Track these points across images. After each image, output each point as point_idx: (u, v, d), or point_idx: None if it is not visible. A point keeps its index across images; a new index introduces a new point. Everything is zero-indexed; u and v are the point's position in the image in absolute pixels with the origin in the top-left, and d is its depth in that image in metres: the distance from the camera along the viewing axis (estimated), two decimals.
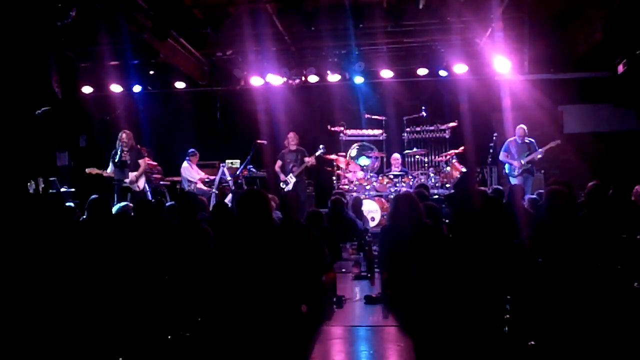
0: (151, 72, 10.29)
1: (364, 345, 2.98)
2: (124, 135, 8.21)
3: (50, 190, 7.28)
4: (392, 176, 9.42)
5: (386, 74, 10.22)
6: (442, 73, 9.90)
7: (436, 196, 8.67)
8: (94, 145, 11.06)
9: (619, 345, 2.97)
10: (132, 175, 8.16)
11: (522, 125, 8.87)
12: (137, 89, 10.58)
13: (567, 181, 5.97)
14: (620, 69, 8.79)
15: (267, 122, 10.94)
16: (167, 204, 6.59)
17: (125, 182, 8.12)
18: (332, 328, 3.13)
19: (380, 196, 9.26)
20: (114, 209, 5.78)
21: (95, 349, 3.13)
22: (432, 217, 4.41)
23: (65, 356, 3.06)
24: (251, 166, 9.53)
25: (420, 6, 8.03)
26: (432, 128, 10.18)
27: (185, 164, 9.68)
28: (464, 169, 9.35)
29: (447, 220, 4.88)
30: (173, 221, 5.56)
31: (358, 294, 3.80)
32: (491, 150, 9.39)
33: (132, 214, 5.54)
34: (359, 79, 10.04)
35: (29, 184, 5.89)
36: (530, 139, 8.84)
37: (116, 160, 8.09)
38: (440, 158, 9.79)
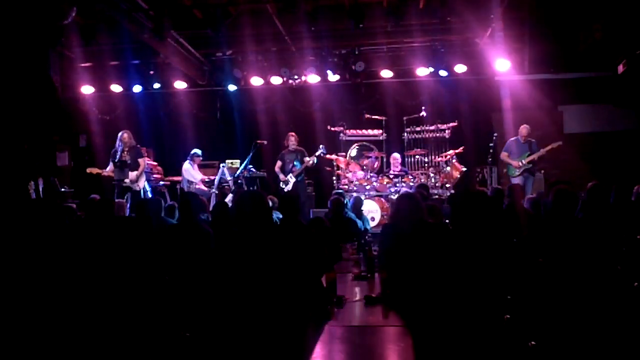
0: (151, 72, 10.29)
1: (364, 345, 2.98)
2: (125, 135, 8.24)
3: (50, 191, 7.30)
4: (392, 176, 9.42)
5: (386, 74, 10.22)
6: (442, 73, 9.89)
7: (436, 196, 8.68)
8: (94, 145, 11.07)
9: (619, 345, 2.97)
10: (132, 174, 8.18)
11: (526, 125, 8.87)
12: (137, 89, 10.58)
13: (568, 181, 5.97)
14: (620, 69, 8.80)
15: (267, 122, 10.95)
16: (167, 204, 6.59)
17: (126, 182, 8.15)
18: (332, 328, 3.13)
19: (380, 196, 9.26)
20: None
21: (95, 350, 3.13)
22: (433, 217, 4.42)
23: (64, 357, 3.06)
24: (251, 166, 9.53)
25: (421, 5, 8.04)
26: (432, 128, 10.16)
27: (187, 164, 9.68)
28: (464, 169, 9.35)
29: (447, 220, 4.88)
30: (171, 221, 5.57)
31: (358, 294, 3.80)
32: (491, 150, 9.40)
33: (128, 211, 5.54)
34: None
35: (29, 184, 5.90)
36: (531, 139, 8.84)
37: (116, 160, 8.11)
38: (440, 158, 9.79)
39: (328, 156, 9.61)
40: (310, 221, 5.40)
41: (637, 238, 4.33)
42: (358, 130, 10.35)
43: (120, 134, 8.31)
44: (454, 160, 9.41)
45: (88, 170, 8.40)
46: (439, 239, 3.71)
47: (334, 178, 9.96)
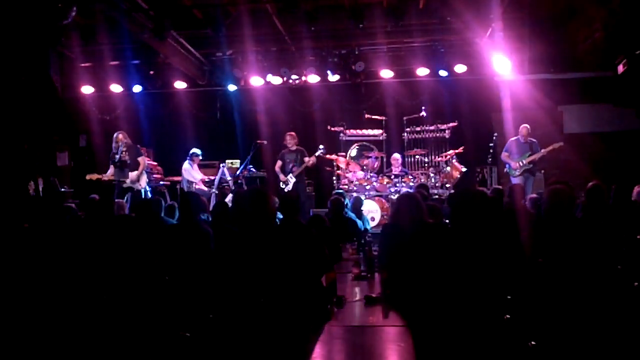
0: (151, 72, 10.29)
1: (364, 345, 2.98)
2: (120, 136, 8.23)
3: (50, 191, 7.30)
4: (392, 176, 9.43)
5: (386, 74, 10.22)
6: (442, 73, 9.89)
7: (436, 196, 8.68)
8: (94, 145, 11.07)
9: (619, 345, 2.97)
10: (132, 174, 8.17)
11: (526, 125, 8.88)
12: (137, 89, 10.58)
13: (567, 181, 5.97)
14: (620, 69, 8.80)
15: (267, 122, 10.95)
16: (166, 204, 6.59)
17: (126, 182, 8.13)
18: (332, 328, 3.13)
19: (380, 196, 9.26)
20: None
21: (95, 349, 3.13)
22: (432, 217, 4.42)
23: (64, 356, 3.06)
24: (251, 166, 9.53)
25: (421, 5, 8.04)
26: (432, 128, 10.17)
27: (186, 164, 9.68)
28: (464, 169, 9.35)
29: (447, 220, 4.88)
30: (171, 221, 5.57)
31: (358, 294, 3.80)
32: (491, 150, 9.40)
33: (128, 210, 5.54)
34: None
35: (29, 184, 5.90)
36: (532, 139, 8.85)
37: (116, 161, 8.10)
38: (440, 158, 9.79)
39: (328, 156, 9.61)
40: (310, 219, 5.40)
41: (637, 238, 4.33)
42: (358, 130, 10.35)
43: (115, 135, 8.28)
44: (454, 160, 9.41)
45: (87, 177, 8.38)
46: (439, 239, 3.71)
47: (334, 178, 9.96)
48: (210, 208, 6.22)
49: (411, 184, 9.18)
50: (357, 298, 3.71)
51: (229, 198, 8.86)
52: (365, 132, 10.33)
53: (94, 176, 8.31)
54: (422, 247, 3.64)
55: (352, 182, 9.51)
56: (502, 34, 8.63)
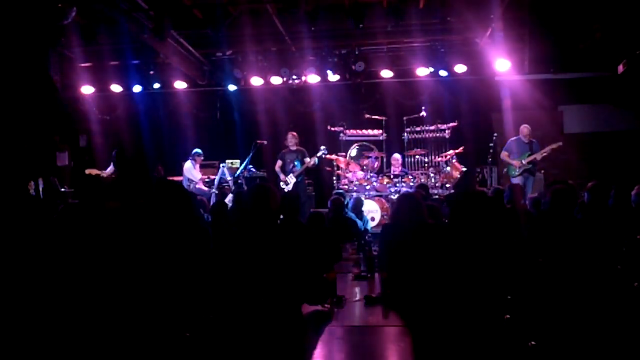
0: (151, 72, 10.29)
1: (364, 345, 2.98)
2: None
3: (50, 191, 7.30)
4: (392, 176, 9.42)
5: (386, 74, 10.22)
6: (442, 73, 9.89)
7: (436, 196, 8.68)
8: (94, 145, 11.06)
9: (619, 345, 2.97)
10: None
11: (527, 125, 8.89)
12: (137, 89, 10.58)
13: (566, 180, 5.97)
14: (620, 69, 8.80)
15: (267, 122, 10.95)
16: None
17: None
18: (332, 328, 3.13)
19: (380, 196, 9.26)
20: None
21: (95, 349, 3.13)
22: (432, 217, 4.42)
23: (64, 356, 3.06)
24: (251, 166, 9.53)
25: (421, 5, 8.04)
26: (432, 128, 10.17)
27: (188, 164, 9.68)
28: (464, 169, 9.34)
29: (446, 220, 4.89)
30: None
31: (358, 294, 3.81)
32: (491, 150, 9.39)
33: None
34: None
35: (29, 184, 5.90)
36: (533, 139, 8.85)
37: None
38: (440, 158, 9.79)
39: (328, 156, 9.62)
40: (309, 216, 5.40)
41: (637, 238, 4.33)
42: (358, 130, 10.35)
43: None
44: (454, 160, 9.40)
45: (87, 171, 8.41)
46: (439, 239, 3.71)
47: (334, 178, 9.96)
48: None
49: (411, 184, 9.18)
50: (357, 298, 3.72)
51: (229, 198, 8.86)
52: (365, 132, 10.33)
53: (94, 171, 8.34)
54: (422, 247, 3.64)
55: (352, 182, 9.51)
56: (502, 34, 8.62)
